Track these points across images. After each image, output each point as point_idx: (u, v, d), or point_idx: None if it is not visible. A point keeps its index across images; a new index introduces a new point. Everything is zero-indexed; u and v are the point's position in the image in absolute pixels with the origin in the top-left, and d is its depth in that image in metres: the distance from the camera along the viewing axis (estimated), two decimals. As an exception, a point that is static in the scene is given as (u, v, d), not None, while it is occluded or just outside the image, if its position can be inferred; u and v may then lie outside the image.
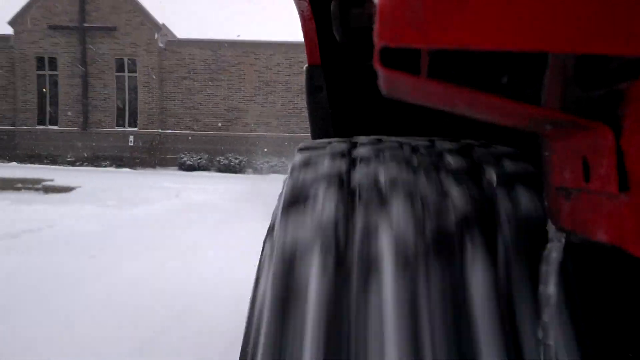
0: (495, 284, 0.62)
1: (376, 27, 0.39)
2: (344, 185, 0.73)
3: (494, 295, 0.62)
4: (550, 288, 0.55)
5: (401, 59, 0.44)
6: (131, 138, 23.83)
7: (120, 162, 23.30)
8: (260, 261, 0.76)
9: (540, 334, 0.57)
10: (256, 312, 0.69)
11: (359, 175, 0.76)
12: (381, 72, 0.42)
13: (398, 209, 0.68)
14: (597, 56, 0.46)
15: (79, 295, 3.90)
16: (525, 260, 0.63)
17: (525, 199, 0.69)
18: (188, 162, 22.99)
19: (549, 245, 0.57)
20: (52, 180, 14.84)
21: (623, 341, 0.62)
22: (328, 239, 0.67)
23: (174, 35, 26.17)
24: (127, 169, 22.43)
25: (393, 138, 0.84)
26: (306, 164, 0.80)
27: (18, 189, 14.21)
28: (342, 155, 0.82)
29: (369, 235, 0.66)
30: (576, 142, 0.48)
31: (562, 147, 0.52)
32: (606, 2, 0.38)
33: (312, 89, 1.25)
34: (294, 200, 0.72)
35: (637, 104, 0.41)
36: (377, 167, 0.76)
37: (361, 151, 0.82)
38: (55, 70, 23.99)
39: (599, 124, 0.44)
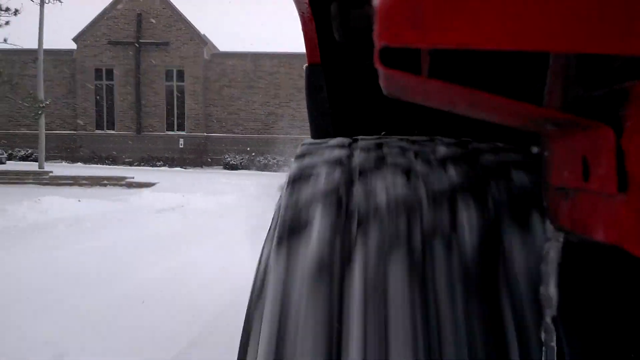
0: None
1: (376, 27, 0.39)
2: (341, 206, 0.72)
3: None
4: (551, 288, 0.54)
5: (402, 58, 0.43)
6: (181, 141, 26.27)
7: (172, 162, 25.26)
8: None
9: (542, 336, 0.56)
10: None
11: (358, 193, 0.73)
12: (382, 72, 0.41)
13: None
14: (598, 56, 0.45)
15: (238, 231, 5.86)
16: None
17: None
18: (232, 162, 24.95)
19: (547, 245, 0.56)
20: (132, 177, 16.54)
21: (623, 341, 0.61)
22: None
23: (216, 48, 27.93)
24: (179, 168, 24.21)
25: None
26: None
27: (104, 185, 15.85)
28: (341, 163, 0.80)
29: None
30: (576, 141, 0.47)
31: (562, 146, 0.51)
32: (607, 1, 0.37)
33: (312, 89, 1.24)
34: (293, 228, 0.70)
35: (638, 104, 0.40)
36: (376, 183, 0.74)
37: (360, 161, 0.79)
38: (112, 81, 26.17)
39: (599, 124, 0.43)
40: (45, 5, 20.18)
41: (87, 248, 5.88)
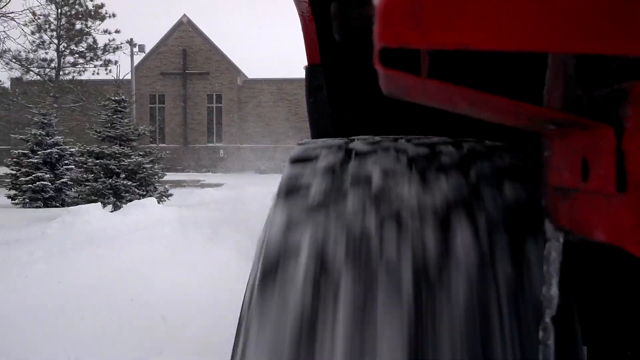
0: None
1: (376, 27, 0.38)
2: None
3: None
4: (552, 289, 0.52)
5: (401, 58, 0.42)
6: (222, 151, 30.35)
7: (214, 168, 28.99)
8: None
9: (540, 335, 0.53)
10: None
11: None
12: (381, 72, 0.40)
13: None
14: (598, 56, 0.43)
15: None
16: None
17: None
18: (262, 168, 28.40)
19: (547, 245, 0.53)
20: (203, 180, 19.64)
21: (622, 341, 0.59)
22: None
23: (245, 76, 32.55)
24: (220, 174, 27.20)
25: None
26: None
27: (184, 186, 18.17)
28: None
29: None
30: (576, 141, 0.45)
31: (562, 146, 0.49)
32: (607, 1, 0.36)
33: (312, 89, 1.23)
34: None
35: (638, 104, 0.39)
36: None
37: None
38: (164, 104, 30.48)
39: (599, 124, 0.42)
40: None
41: (206, 215, 7.78)
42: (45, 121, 12.06)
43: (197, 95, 30.72)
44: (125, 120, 11.48)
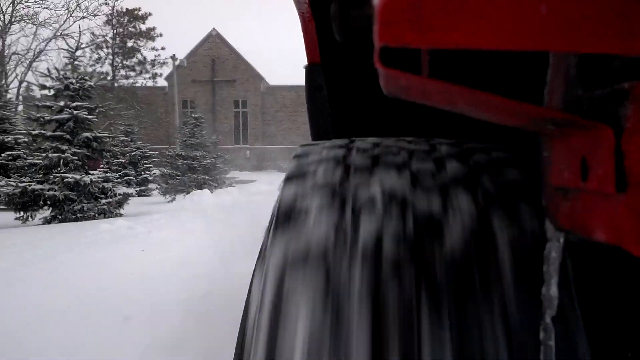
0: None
1: (376, 27, 0.37)
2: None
3: None
4: (552, 289, 0.51)
5: (402, 57, 0.41)
6: (248, 152, 32.29)
7: (242, 167, 30.22)
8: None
9: (541, 335, 0.52)
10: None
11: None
12: (381, 72, 0.39)
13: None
14: (598, 56, 0.43)
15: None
16: None
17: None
18: (284, 166, 29.27)
19: (548, 245, 0.52)
20: (237, 177, 20.78)
21: (623, 341, 0.58)
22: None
23: (267, 83, 33.83)
24: (248, 172, 28.82)
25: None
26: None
27: (224, 181, 19.36)
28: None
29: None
30: (576, 141, 0.44)
31: (562, 146, 0.48)
32: (607, 1, 0.35)
33: (312, 89, 1.22)
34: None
35: (638, 104, 0.38)
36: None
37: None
38: (194, 109, 37.13)
39: (599, 124, 0.41)
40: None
41: (262, 198, 9.62)
42: (129, 130, 15.49)
43: (224, 101, 33.29)
44: (203, 132, 15.23)
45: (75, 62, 10.34)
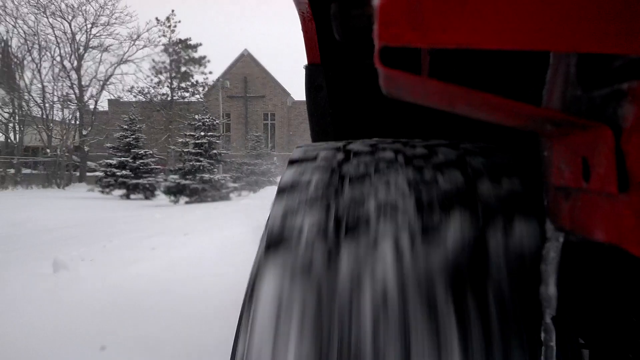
0: None
1: (376, 27, 0.36)
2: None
3: None
4: (550, 288, 0.50)
5: (402, 57, 0.40)
6: (275, 158, 40.27)
7: (271, 172, 38.99)
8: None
9: (542, 336, 0.51)
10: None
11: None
12: (382, 72, 0.38)
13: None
14: (598, 56, 0.42)
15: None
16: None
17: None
18: None
19: (547, 245, 0.51)
20: (272, 179, 23.85)
21: (623, 341, 0.57)
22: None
23: (293, 98, 38.23)
24: (278, 175, 31.56)
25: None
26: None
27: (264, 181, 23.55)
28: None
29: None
30: (576, 142, 0.43)
31: (562, 146, 0.47)
32: (607, 1, 0.35)
33: (312, 89, 1.21)
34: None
35: (638, 104, 0.37)
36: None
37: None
38: (229, 120, 37.23)
39: (599, 124, 0.40)
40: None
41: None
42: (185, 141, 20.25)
43: (255, 114, 37.67)
44: (262, 145, 19.80)
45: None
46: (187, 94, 33.18)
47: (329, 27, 0.98)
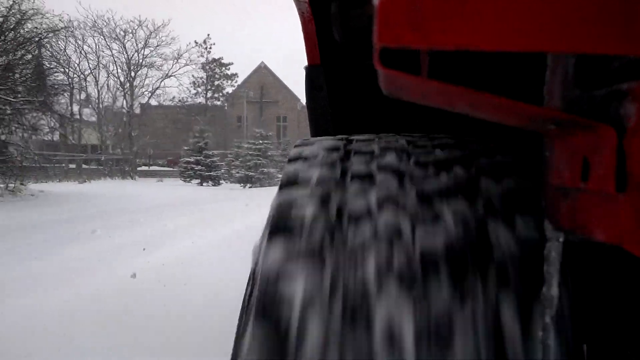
0: None
1: (376, 28, 0.36)
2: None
3: None
4: (552, 288, 0.49)
5: (402, 58, 0.39)
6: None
7: (282, 168, 42.74)
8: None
9: (540, 335, 0.50)
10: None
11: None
12: (381, 72, 0.38)
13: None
14: (598, 56, 0.41)
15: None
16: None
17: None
18: None
19: (547, 245, 0.51)
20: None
21: (623, 340, 0.57)
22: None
23: (302, 103, 43.85)
24: None
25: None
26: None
27: (278, 178, 24.70)
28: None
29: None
30: (576, 141, 0.43)
31: (562, 146, 0.46)
32: (607, 2, 0.35)
33: (312, 89, 1.21)
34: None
35: (638, 104, 0.37)
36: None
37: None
38: (247, 123, 39.34)
39: (599, 124, 0.39)
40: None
41: None
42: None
43: (269, 118, 39.63)
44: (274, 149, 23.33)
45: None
46: (218, 103, 38.01)
47: (329, 27, 0.96)
